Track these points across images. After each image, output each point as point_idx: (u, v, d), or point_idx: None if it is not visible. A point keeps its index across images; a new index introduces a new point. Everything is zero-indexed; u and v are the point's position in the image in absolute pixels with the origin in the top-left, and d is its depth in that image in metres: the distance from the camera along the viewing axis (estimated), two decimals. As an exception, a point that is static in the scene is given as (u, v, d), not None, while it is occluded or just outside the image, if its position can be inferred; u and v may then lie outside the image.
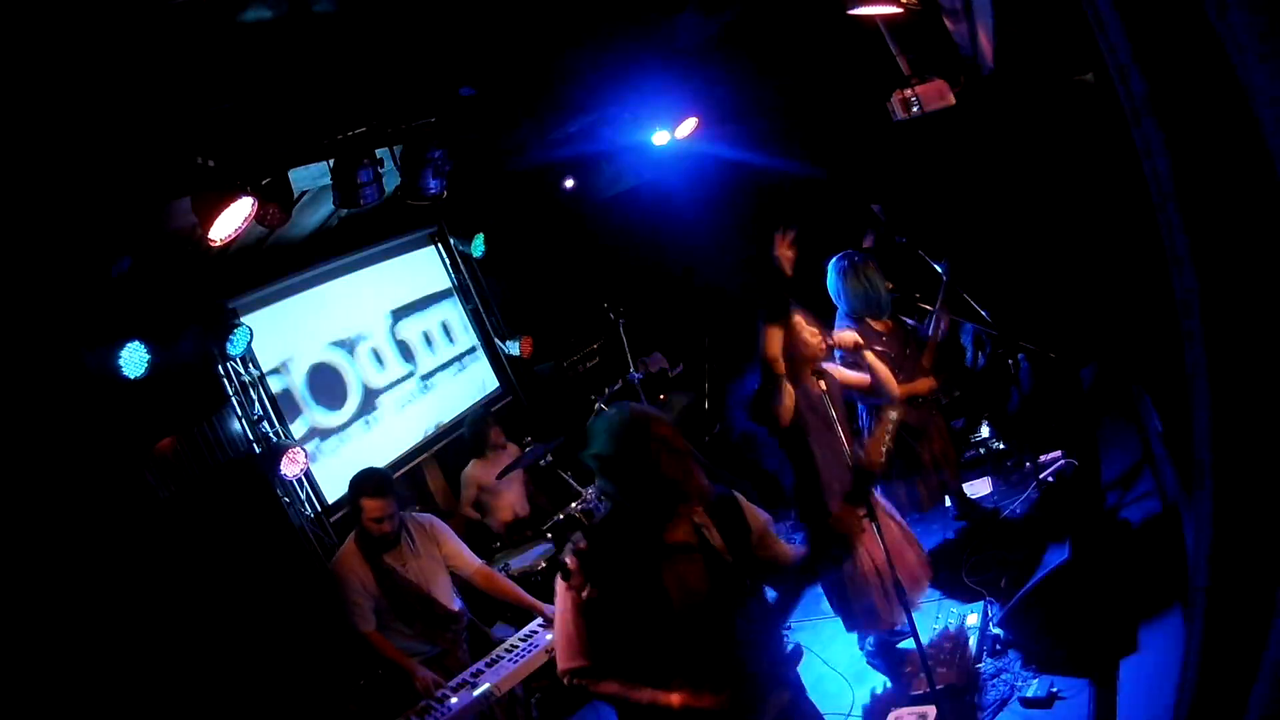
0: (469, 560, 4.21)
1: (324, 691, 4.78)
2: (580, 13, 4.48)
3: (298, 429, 5.53)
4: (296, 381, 5.52)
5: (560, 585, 2.36)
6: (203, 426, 5.33)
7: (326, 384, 5.57)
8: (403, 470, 6.36)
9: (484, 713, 3.80)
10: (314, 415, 5.52)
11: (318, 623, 5.28)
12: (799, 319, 3.66)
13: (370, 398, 5.84)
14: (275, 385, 5.40)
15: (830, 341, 3.65)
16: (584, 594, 2.28)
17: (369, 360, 5.93)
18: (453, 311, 6.69)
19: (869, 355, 3.71)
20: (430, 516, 4.31)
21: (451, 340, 6.57)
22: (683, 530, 2.38)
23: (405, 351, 6.12)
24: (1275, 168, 0.81)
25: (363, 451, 5.77)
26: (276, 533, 5.47)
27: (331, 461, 5.68)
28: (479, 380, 7.11)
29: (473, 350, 6.64)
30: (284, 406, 5.38)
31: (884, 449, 2.42)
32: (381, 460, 6.10)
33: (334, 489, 5.67)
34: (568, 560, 2.35)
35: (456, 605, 4.18)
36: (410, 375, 6.11)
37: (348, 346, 5.81)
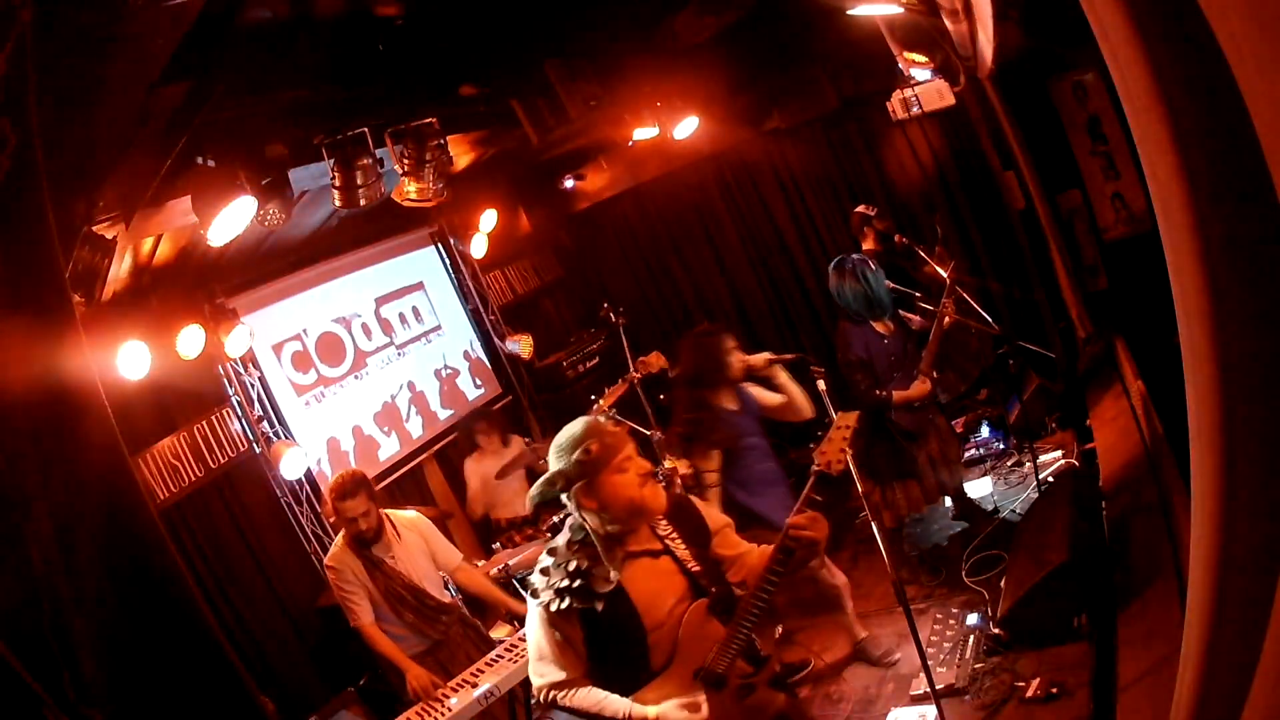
0: (451, 557, 4.37)
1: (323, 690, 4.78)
2: (581, 12, 4.48)
3: (309, 378, 6.12)
4: (310, 344, 6.23)
5: (531, 602, 2.36)
6: (203, 426, 5.34)
7: (330, 347, 6.38)
8: (403, 470, 6.38)
9: (484, 713, 3.81)
10: (321, 369, 6.24)
11: (318, 622, 5.29)
12: (729, 342, 4.00)
13: (360, 359, 6.56)
14: (294, 347, 6.11)
15: (747, 362, 3.93)
16: (553, 609, 2.28)
17: (360, 332, 6.67)
18: (422, 298, 7.31)
19: (781, 373, 3.91)
20: (413, 513, 4.45)
21: (420, 321, 7.22)
22: (644, 538, 2.38)
23: (386, 327, 6.90)
24: (1269, 167, 0.81)
25: (355, 397, 6.40)
26: (277, 533, 5.48)
27: (334, 402, 6.25)
28: (460, 367, 7.42)
29: (437, 329, 7.32)
30: (299, 364, 6.10)
31: (842, 453, 2.39)
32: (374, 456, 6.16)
33: (338, 430, 6.19)
34: (536, 578, 2.36)
35: (447, 597, 4.29)
36: (389, 344, 6.84)
37: (344, 322, 6.58)
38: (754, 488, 3.95)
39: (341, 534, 4.16)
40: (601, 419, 2.45)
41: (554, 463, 2.34)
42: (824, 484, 2.37)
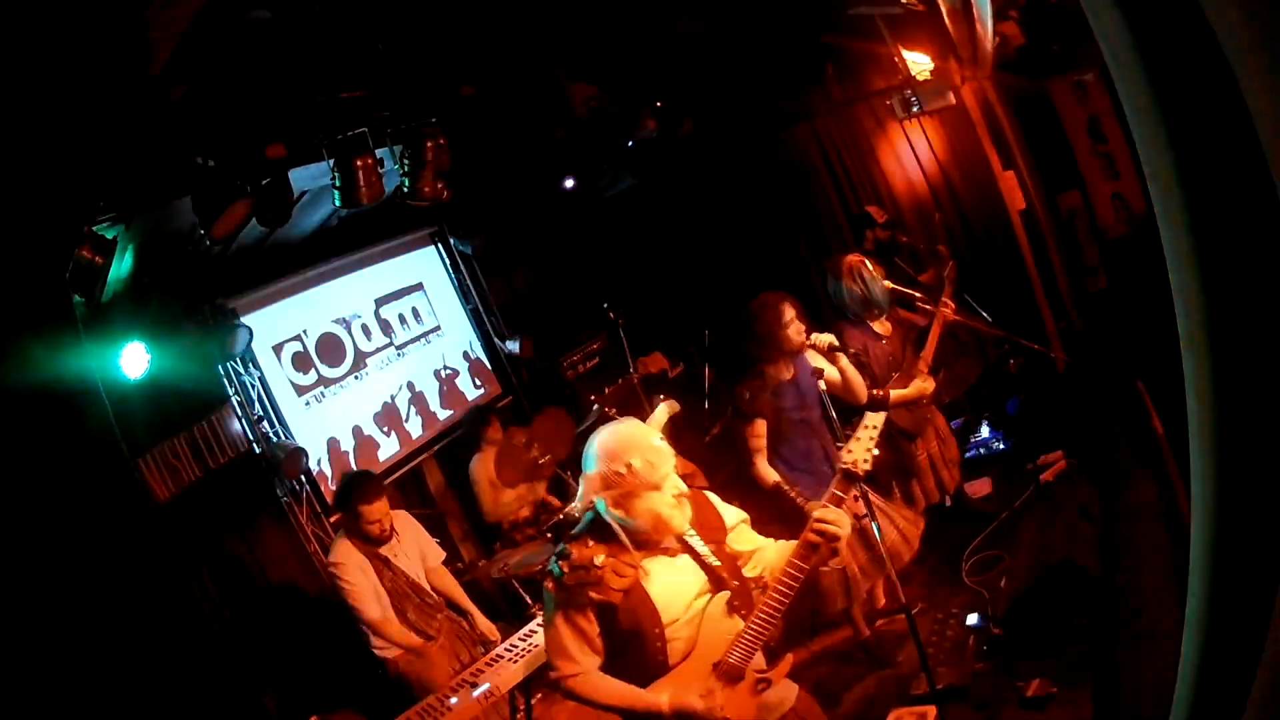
0: (436, 555, 4.43)
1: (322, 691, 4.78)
2: (580, 11, 4.49)
3: (309, 379, 6.12)
4: (310, 344, 6.25)
5: (548, 593, 2.37)
6: (203, 426, 5.33)
7: (331, 347, 6.39)
8: (403, 470, 6.37)
9: (484, 713, 3.82)
10: (321, 370, 6.27)
11: (318, 622, 5.29)
12: (789, 310, 3.84)
13: (360, 359, 6.57)
14: (294, 348, 6.09)
15: (810, 341, 3.79)
16: (570, 601, 2.29)
17: (360, 333, 6.67)
18: (422, 299, 7.32)
19: (841, 358, 3.80)
20: (402, 512, 4.47)
21: (420, 321, 7.23)
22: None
23: (386, 328, 6.90)
24: (1269, 167, 0.81)
25: (355, 397, 6.42)
26: (277, 533, 5.47)
27: (334, 403, 6.27)
28: (459, 367, 7.44)
29: (437, 329, 7.31)
30: (299, 365, 6.09)
31: (869, 452, 2.41)
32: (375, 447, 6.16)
33: (338, 430, 6.18)
34: (555, 569, 2.36)
35: (436, 595, 4.33)
36: (389, 345, 6.84)
37: (344, 323, 6.59)
38: (796, 464, 3.88)
39: (342, 534, 4.15)
40: (664, 411, 2.43)
41: (593, 464, 2.33)
42: (852, 481, 2.39)
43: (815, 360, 3.85)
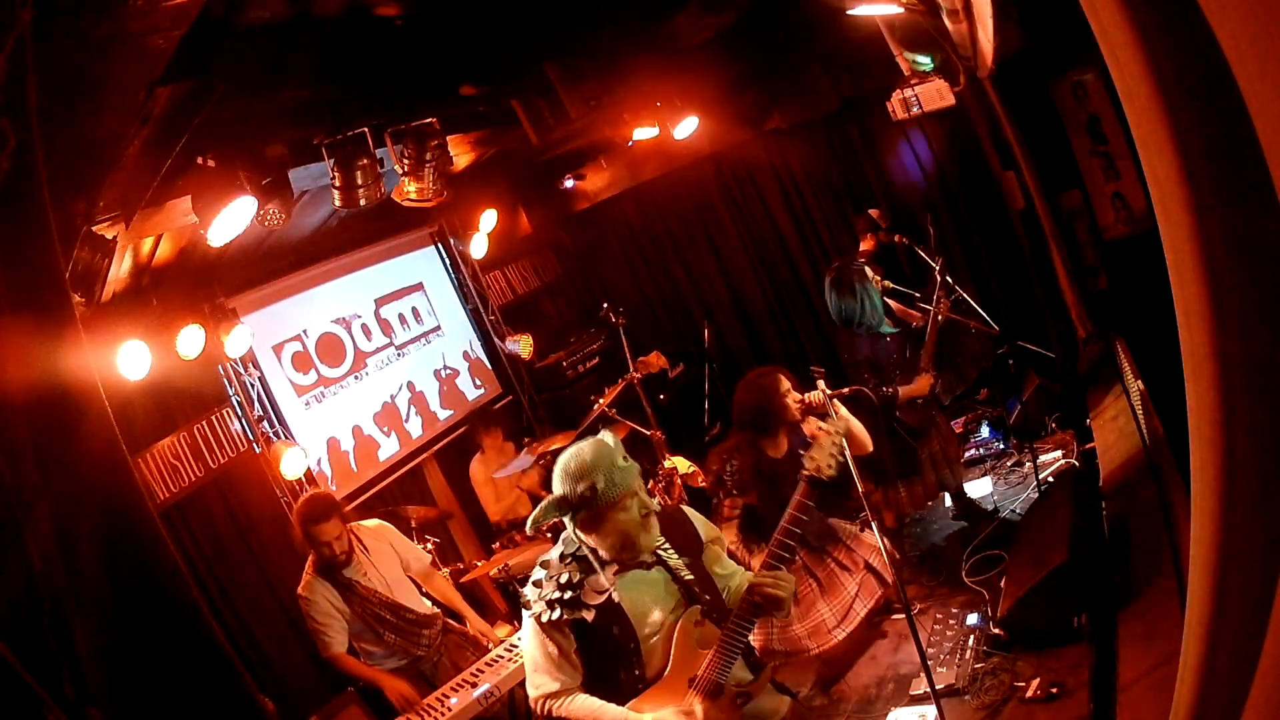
0: (420, 562, 4.33)
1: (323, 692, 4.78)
2: (581, 12, 4.48)
3: (309, 379, 6.13)
4: (310, 344, 6.26)
5: (525, 614, 2.37)
6: (203, 426, 5.33)
7: (331, 347, 6.40)
8: (403, 470, 6.38)
9: (484, 712, 3.81)
10: (321, 370, 6.28)
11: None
12: (784, 384, 3.85)
13: (360, 359, 6.57)
14: (294, 348, 6.11)
15: (804, 401, 3.78)
16: (544, 620, 2.29)
17: (360, 333, 6.67)
18: (422, 299, 7.32)
19: (841, 412, 3.76)
20: (378, 521, 4.37)
21: (420, 322, 7.23)
22: None
23: (386, 328, 6.91)
24: (1269, 167, 0.81)
25: (355, 397, 6.45)
26: (277, 533, 5.47)
27: (334, 402, 6.28)
28: (459, 367, 7.46)
29: (437, 329, 7.33)
30: (299, 365, 6.09)
31: (833, 458, 2.40)
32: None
33: (338, 430, 6.20)
34: (529, 589, 2.36)
35: (426, 607, 4.20)
36: (389, 345, 6.84)
37: (344, 323, 6.59)
38: (748, 527, 3.96)
39: (309, 560, 4.03)
40: (608, 438, 2.40)
41: (559, 486, 2.32)
42: (816, 488, 2.38)
43: (812, 426, 3.86)
